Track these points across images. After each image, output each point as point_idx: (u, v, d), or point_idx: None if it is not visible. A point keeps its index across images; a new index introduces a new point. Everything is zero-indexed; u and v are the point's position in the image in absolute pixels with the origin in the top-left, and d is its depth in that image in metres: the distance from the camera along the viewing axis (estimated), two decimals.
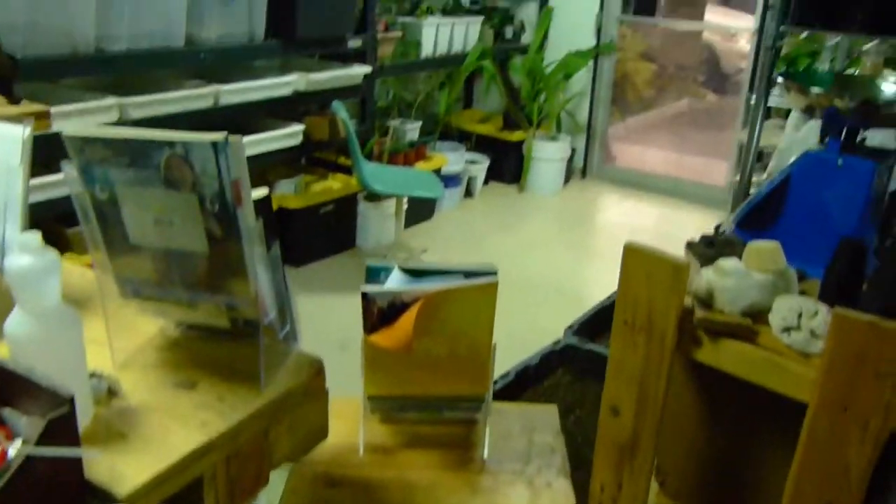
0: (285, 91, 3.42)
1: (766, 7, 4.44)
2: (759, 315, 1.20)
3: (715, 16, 5.78)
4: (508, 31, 5.11)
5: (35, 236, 0.95)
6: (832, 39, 1.70)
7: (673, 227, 4.67)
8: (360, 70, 3.75)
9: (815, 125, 1.96)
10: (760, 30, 4.49)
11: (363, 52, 3.80)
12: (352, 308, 3.41)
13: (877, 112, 1.40)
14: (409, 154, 4.17)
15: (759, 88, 1.66)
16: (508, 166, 5.06)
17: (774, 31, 1.60)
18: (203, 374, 1.15)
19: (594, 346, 2.42)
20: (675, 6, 4.89)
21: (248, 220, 1.03)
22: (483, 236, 4.30)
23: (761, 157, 4.56)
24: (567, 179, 5.19)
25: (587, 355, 2.40)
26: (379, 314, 1.30)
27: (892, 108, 1.40)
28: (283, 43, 3.35)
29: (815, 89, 1.41)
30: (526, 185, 5.02)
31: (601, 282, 3.84)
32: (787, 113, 4.46)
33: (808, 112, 1.50)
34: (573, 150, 5.16)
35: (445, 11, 4.71)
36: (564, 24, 5.10)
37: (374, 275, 1.36)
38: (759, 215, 1.47)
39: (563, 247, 4.27)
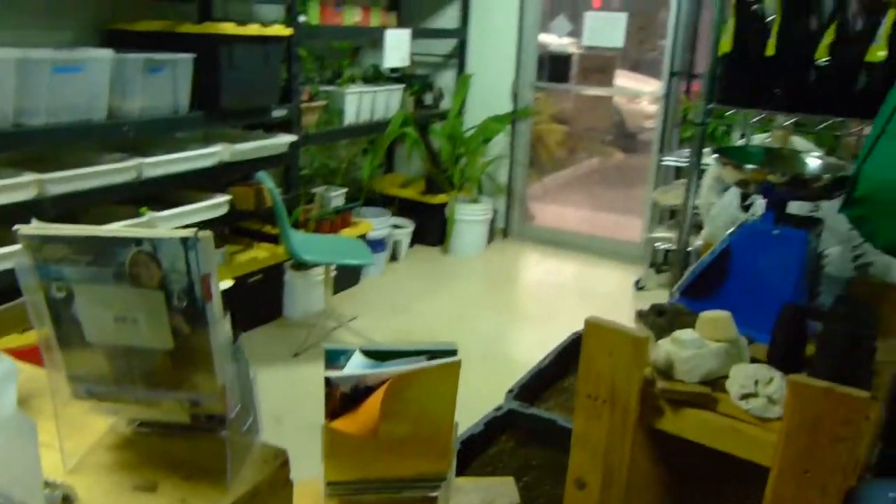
0: (210, 162, 3.37)
1: (671, 73, 4.71)
2: (715, 382, 1.25)
3: (623, 80, 6.08)
4: (428, 98, 5.22)
5: None
6: (754, 116, 1.84)
7: (593, 283, 4.80)
8: (285, 139, 3.74)
9: (735, 191, 2.08)
10: (667, 95, 4.76)
11: (288, 121, 3.80)
12: (283, 379, 3.36)
13: (805, 186, 1.51)
14: (336, 221, 4.16)
15: (692, 162, 1.76)
16: (432, 229, 5.12)
17: (704, 110, 1.71)
18: (163, 474, 1.09)
19: (536, 411, 2.44)
20: (586, 73, 5.12)
21: (217, 315, 1.01)
22: (411, 300, 4.30)
23: (673, 215, 4.79)
24: (490, 240, 5.28)
25: (530, 419, 2.41)
26: (342, 399, 1.28)
27: (818, 181, 1.52)
28: (208, 114, 3.32)
29: (750, 166, 1.52)
30: (450, 247, 5.07)
31: (531, 341, 3.89)
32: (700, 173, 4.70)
33: (742, 185, 1.61)
34: (495, 212, 5.27)
35: (366, 80, 4.78)
36: (482, 90, 5.26)
37: (333, 359, 1.34)
38: (702, 284, 1.54)
39: (491, 308, 4.31)
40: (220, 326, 1.02)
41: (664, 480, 1.37)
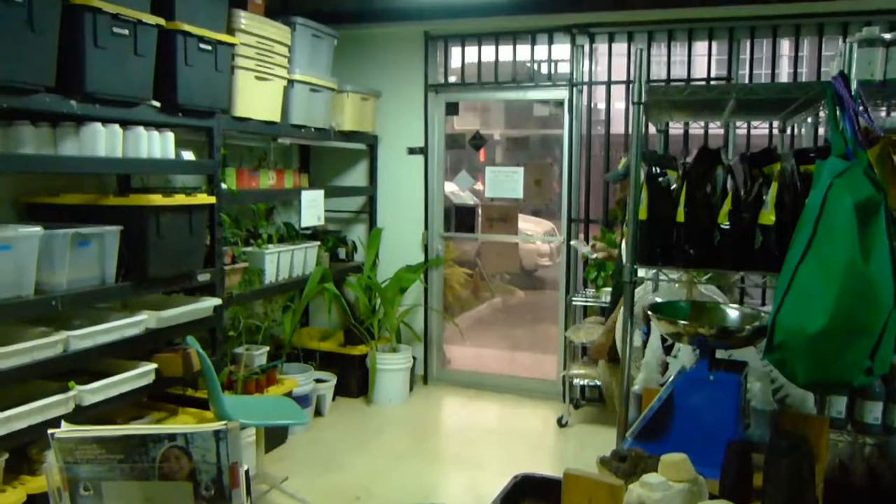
0: (137, 330, 3.35)
1: (570, 220, 5.11)
2: None
3: (523, 223, 6.49)
4: (342, 252, 5.40)
5: None
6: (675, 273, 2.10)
7: (516, 423, 4.91)
8: (210, 303, 3.77)
9: (658, 335, 2.30)
10: (568, 239, 5.13)
11: (212, 284, 3.85)
12: None
13: (731, 336, 1.74)
14: (261, 380, 4.14)
15: (626, 319, 1.97)
16: (354, 380, 5.15)
17: (630, 269, 1.94)
18: None
19: None
20: (491, 221, 5.47)
21: (242, 500, 1.07)
22: (341, 456, 4.26)
23: (585, 352, 5.04)
24: (411, 387, 5.34)
25: None
26: None
27: (741, 332, 1.75)
28: (135, 284, 3.34)
29: (682, 322, 1.73)
30: (373, 398, 5.10)
31: (464, 489, 3.93)
32: (603, 310, 5.03)
33: (676, 337, 1.82)
34: (414, 359, 5.37)
35: (282, 238, 4.92)
36: (393, 241, 5.50)
37: None
38: (651, 428, 1.70)
39: (420, 457, 4.32)
40: None
41: None
